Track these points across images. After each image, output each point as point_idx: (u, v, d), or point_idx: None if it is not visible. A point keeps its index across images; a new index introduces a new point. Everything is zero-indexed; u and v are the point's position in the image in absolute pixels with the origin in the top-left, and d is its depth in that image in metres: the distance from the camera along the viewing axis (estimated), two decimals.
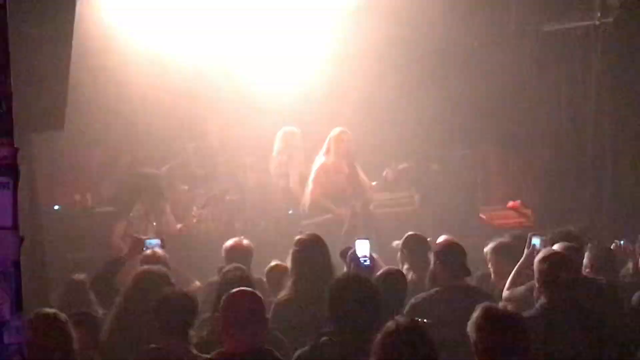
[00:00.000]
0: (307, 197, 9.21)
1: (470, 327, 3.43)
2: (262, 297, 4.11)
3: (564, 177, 10.40)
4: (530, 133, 10.90)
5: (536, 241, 6.11)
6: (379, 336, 3.52)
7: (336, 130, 9.01)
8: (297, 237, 6.02)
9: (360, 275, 4.79)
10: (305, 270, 5.59)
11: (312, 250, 5.72)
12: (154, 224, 8.49)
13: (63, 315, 3.93)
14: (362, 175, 8.94)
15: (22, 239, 2.40)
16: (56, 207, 10.09)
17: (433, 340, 3.48)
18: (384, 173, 8.86)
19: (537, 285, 4.76)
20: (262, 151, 11.26)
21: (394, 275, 5.37)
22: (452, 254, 5.59)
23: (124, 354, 4.44)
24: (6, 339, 2.34)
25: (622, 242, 6.74)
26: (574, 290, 4.60)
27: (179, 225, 8.82)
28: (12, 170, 2.36)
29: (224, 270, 6.07)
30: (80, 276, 6.33)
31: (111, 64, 11.31)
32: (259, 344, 3.76)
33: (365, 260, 5.84)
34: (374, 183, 9.32)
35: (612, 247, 6.63)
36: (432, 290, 5.51)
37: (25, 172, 7.14)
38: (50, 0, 6.79)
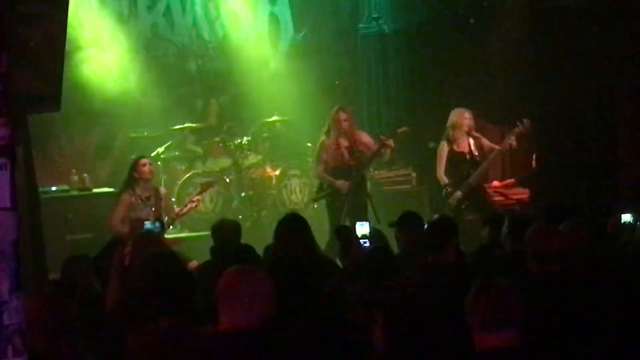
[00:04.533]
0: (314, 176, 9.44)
1: (466, 302, 3.47)
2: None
3: (563, 152, 10.38)
4: (527, 109, 10.88)
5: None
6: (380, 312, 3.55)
7: (334, 109, 9.05)
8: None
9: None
10: (280, 249, 5.67)
11: (288, 229, 5.79)
12: (153, 209, 8.48)
13: (63, 292, 3.94)
14: (368, 145, 8.99)
15: (20, 220, 2.40)
16: (53, 188, 10.08)
17: (430, 315, 3.52)
18: (384, 140, 8.89)
19: (528, 257, 4.79)
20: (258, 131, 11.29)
21: (379, 253, 5.37)
22: (436, 229, 5.59)
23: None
24: (5, 320, 2.34)
25: (624, 215, 6.67)
26: (565, 262, 4.62)
27: (177, 209, 8.83)
28: (9, 150, 2.35)
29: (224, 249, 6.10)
30: (83, 254, 6.33)
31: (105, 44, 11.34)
32: (255, 322, 3.73)
33: (365, 242, 5.86)
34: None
35: (611, 221, 6.62)
36: (422, 267, 5.53)
37: (22, 154, 7.13)
38: None
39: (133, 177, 8.54)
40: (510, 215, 6.37)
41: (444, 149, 9.18)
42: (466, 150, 9.14)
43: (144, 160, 8.65)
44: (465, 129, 9.14)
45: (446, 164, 9.17)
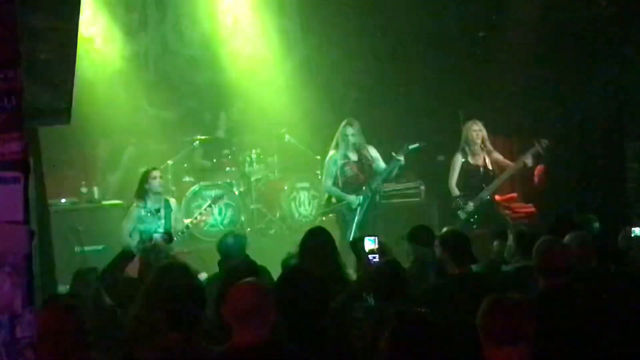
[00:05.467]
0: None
1: (478, 314, 3.47)
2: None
3: (571, 165, 10.38)
4: (535, 122, 10.88)
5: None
6: (384, 331, 3.55)
7: (342, 123, 9.07)
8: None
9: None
10: (308, 261, 5.66)
11: (315, 242, 5.80)
12: (163, 221, 8.49)
13: (76, 303, 3.94)
14: (374, 158, 9.01)
15: (32, 233, 2.40)
16: (63, 200, 10.10)
17: (440, 332, 3.51)
18: (397, 157, 8.87)
19: (535, 271, 4.80)
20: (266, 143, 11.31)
21: (391, 267, 5.36)
22: (457, 242, 5.60)
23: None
24: (18, 333, 2.35)
25: (635, 228, 6.64)
26: (570, 277, 4.63)
27: (186, 221, 8.84)
28: (22, 164, 2.36)
29: (229, 262, 6.11)
30: (92, 267, 6.35)
31: (116, 56, 11.38)
32: (267, 336, 3.76)
33: (374, 258, 5.85)
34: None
35: (621, 234, 6.59)
36: (438, 280, 5.53)
37: (33, 166, 7.13)
38: None
39: (144, 189, 8.56)
40: (516, 230, 6.36)
41: (458, 160, 9.14)
42: (481, 164, 9.11)
43: (154, 173, 8.67)
44: (478, 140, 9.10)
45: (459, 176, 9.15)
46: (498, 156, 9.22)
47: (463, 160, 9.11)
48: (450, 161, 9.31)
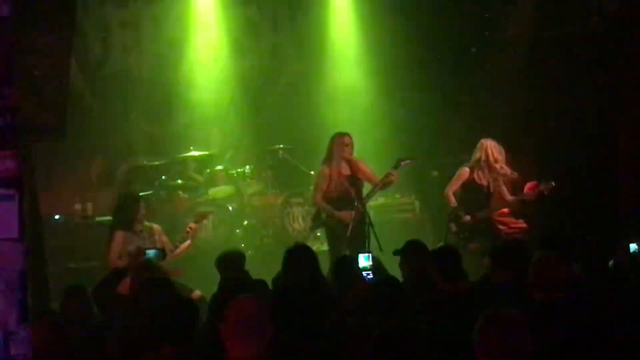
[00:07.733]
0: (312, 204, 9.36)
1: (474, 330, 3.47)
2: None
3: (564, 181, 10.39)
4: (529, 138, 10.90)
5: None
6: (370, 342, 3.57)
7: (335, 135, 8.96)
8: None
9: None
10: (292, 277, 5.68)
11: (298, 259, 5.81)
12: (147, 241, 8.40)
13: (62, 320, 3.94)
14: (369, 175, 8.92)
15: (27, 250, 2.40)
16: (57, 217, 10.08)
17: (423, 344, 3.53)
18: (389, 175, 8.79)
19: (531, 285, 4.80)
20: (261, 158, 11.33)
21: (389, 283, 5.37)
22: (448, 258, 5.62)
23: None
24: (12, 350, 2.35)
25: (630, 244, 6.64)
26: (566, 291, 4.64)
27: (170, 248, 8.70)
28: (17, 182, 2.37)
29: (224, 277, 6.10)
30: (81, 284, 6.32)
31: (110, 73, 11.40)
32: (262, 352, 3.75)
33: (368, 274, 5.83)
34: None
35: (619, 248, 6.59)
36: (428, 295, 5.54)
37: (26, 182, 7.12)
38: (51, 11, 6.80)
39: (131, 216, 8.31)
40: (501, 245, 6.37)
41: (464, 173, 9.00)
42: (485, 184, 9.00)
43: (142, 204, 8.49)
44: (496, 165, 8.96)
45: (460, 189, 9.02)
46: (500, 182, 9.09)
47: (469, 175, 8.98)
48: (457, 170, 9.16)
